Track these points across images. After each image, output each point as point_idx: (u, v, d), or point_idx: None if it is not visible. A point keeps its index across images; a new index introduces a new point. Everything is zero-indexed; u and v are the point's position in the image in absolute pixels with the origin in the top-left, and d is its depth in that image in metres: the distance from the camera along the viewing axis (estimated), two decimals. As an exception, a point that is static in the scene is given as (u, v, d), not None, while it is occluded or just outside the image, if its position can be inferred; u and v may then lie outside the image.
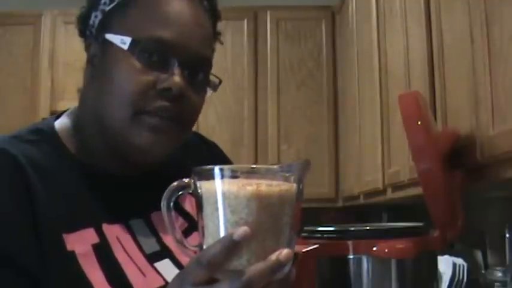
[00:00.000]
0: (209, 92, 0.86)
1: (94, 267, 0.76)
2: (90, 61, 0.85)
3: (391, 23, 2.10)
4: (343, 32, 3.28)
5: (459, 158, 1.31)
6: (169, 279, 0.77)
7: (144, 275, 0.80)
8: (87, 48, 0.86)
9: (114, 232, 0.81)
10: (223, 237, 0.58)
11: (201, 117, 0.88)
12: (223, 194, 0.59)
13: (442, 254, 1.84)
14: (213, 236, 0.60)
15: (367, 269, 1.21)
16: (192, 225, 0.88)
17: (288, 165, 0.63)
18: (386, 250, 1.19)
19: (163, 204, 0.63)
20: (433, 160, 1.23)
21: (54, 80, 3.43)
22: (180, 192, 0.64)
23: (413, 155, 1.28)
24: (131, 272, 0.79)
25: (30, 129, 0.85)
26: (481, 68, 1.23)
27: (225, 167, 0.61)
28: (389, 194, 2.17)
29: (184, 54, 0.80)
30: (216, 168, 0.60)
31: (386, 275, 1.21)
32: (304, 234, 1.34)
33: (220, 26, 0.91)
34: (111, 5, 0.83)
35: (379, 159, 2.23)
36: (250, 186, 0.59)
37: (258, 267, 0.57)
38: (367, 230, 1.30)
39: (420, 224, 1.32)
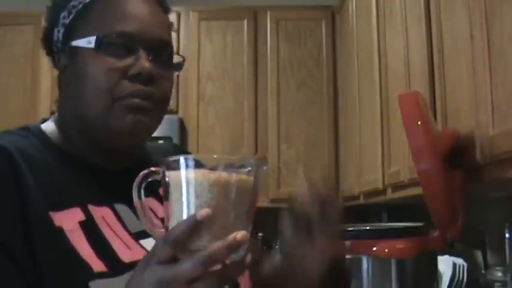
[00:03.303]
0: (175, 72, 0.94)
1: (82, 241, 0.80)
2: (62, 72, 0.92)
3: (391, 23, 2.10)
4: (343, 32, 3.28)
5: (459, 158, 1.31)
6: None
7: (130, 248, 0.84)
8: (56, 63, 0.94)
9: (99, 212, 0.85)
10: (187, 217, 0.65)
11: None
12: (189, 181, 0.66)
13: (442, 254, 1.84)
14: (177, 218, 0.66)
15: (367, 269, 1.21)
16: None
17: (246, 158, 0.70)
18: (386, 250, 1.19)
19: (134, 189, 0.69)
20: (433, 160, 1.23)
21: (54, 80, 3.42)
22: (150, 179, 0.70)
23: (413, 155, 1.28)
24: (117, 246, 0.83)
25: (18, 127, 0.92)
26: (481, 68, 1.23)
27: (190, 157, 0.67)
28: (389, 194, 2.17)
29: (147, 40, 0.88)
30: (182, 158, 0.67)
31: (386, 275, 1.22)
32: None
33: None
34: (70, 17, 0.91)
35: (379, 159, 2.23)
36: (212, 174, 0.66)
37: (217, 244, 0.63)
38: (367, 230, 1.30)
39: (420, 224, 1.32)
